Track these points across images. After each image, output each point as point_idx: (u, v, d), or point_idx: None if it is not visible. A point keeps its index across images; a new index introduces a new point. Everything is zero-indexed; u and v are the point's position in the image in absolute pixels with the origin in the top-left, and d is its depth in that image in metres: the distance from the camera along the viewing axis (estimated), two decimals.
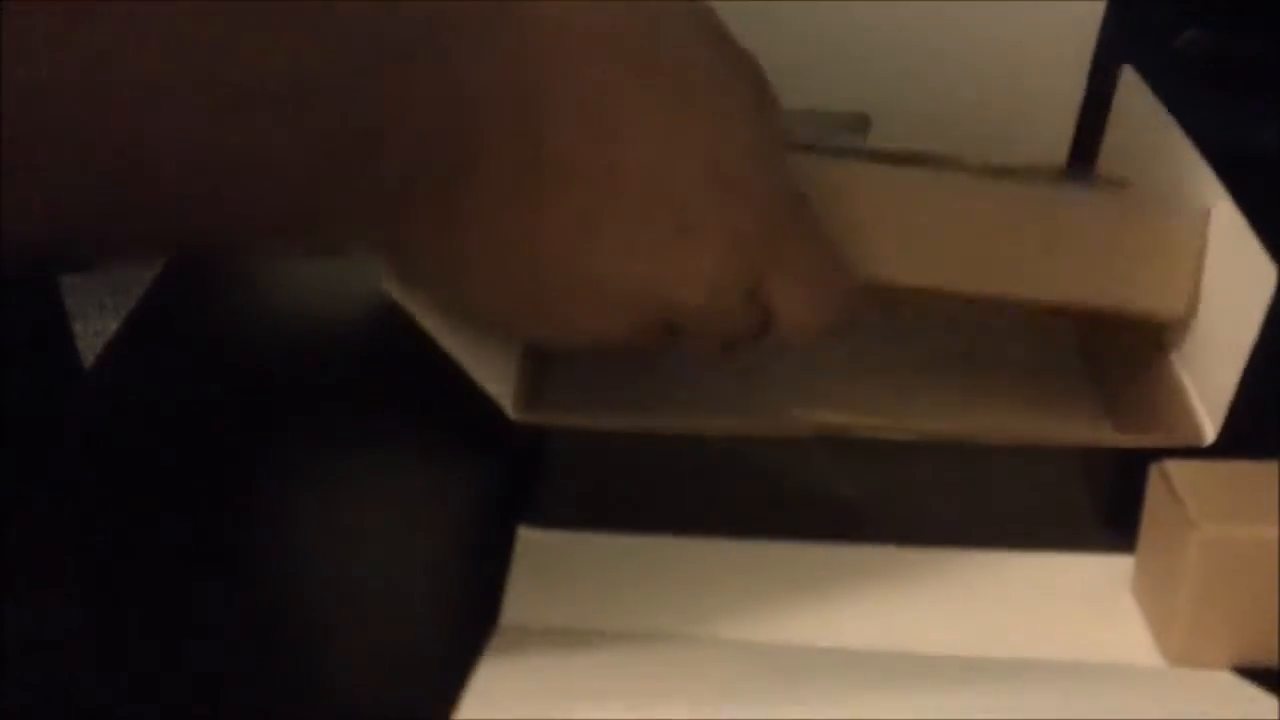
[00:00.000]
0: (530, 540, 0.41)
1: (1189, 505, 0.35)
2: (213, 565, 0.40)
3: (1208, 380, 0.38)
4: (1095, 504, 0.41)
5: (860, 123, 0.51)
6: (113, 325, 0.55)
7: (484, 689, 0.33)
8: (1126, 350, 0.45)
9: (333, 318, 0.53)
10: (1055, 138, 0.52)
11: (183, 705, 0.35)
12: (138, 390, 0.48)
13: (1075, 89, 0.51)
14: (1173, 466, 0.36)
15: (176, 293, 0.54)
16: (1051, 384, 0.48)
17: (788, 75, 0.50)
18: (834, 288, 0.36)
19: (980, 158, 0.48)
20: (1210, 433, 0.38)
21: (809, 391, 0.43)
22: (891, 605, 0.39)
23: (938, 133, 0.52)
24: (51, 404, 0.50)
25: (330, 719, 0.35)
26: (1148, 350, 0.43)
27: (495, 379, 0.38)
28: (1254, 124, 0.62)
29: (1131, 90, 0.48)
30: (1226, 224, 0.39)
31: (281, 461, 0.45)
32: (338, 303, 0.54)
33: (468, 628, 0.36)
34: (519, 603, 0.38)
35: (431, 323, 0.35)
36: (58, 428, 0.46)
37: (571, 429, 0.40)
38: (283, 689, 0.36)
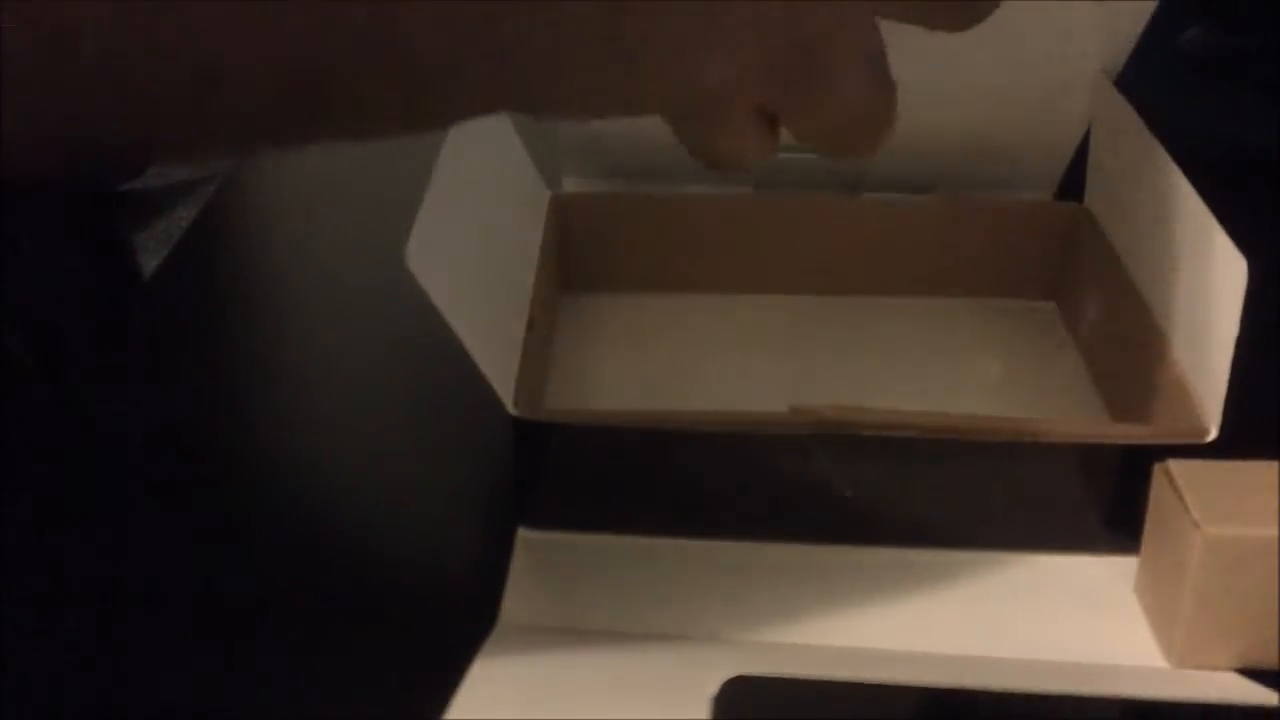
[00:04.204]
0: (529, 540, 0.40)
1: (1193, 505, 0.34)
2: (211, 561, 0.40)
3: (1207, 377, 0.38)
4: (1097, 504, 0.41)
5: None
6: None
7: (480, 688, 0.33)
8: (1127, 348, 0.45)
9: (336, 315, 0.53)
10: (1053, 165, 0.53)
11: (181, 701, 0.35)
12: (140, 387, 0.48)
13: (1076, 128, 0.51)
14: (1176, 466, 0.36)
15: (177, 291, 0.54)
16: (1051, 382, 0.48)
17: None
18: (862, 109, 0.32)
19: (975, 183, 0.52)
20: (1213, 429, 0.38)
21: (809, 391, 0.43)
22: (891, 605, 0.39)
23: (936, 161, 0.52)
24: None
25: (329, 717, 0.35)
26: (1148, 348, 0.43)
27: (498, 372, 0.38)
28: (1254, 122, 0.62)
29: (1102, 92, 0.48)
30: (1198, 224, 0.40)
31: (282, 458, 0.45)
32: (340, 300, 0.53)
33: (467, 627, 0.36)
34: (517, 602, 0.38)
35: (445, 305, 0.35)
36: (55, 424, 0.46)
37: (571, 429, 0.40)
38: (281, 686, 0.36)
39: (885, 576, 0.40)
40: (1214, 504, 0.34)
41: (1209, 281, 0.39)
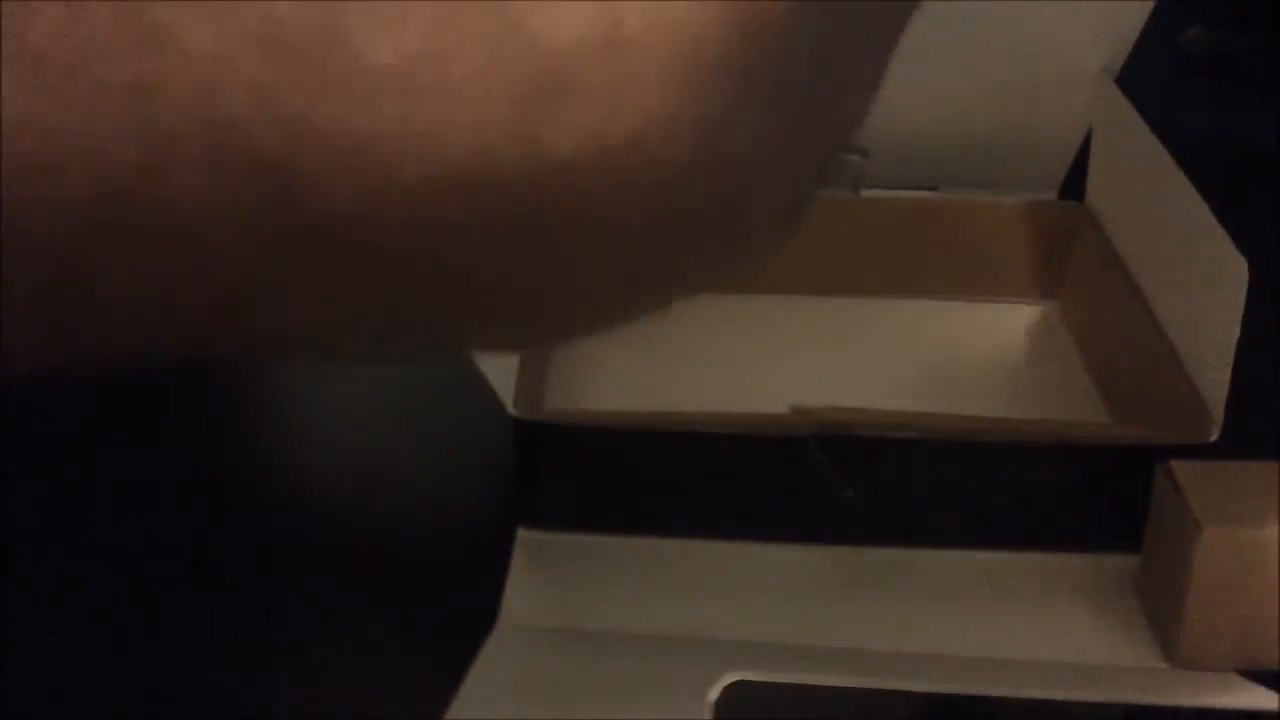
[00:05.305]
0: (529, 541, 0.40)
1: (1194, 505, 0.34)
2: (210, 562, 0.40)
3: (1207, 377, 0.38)
4: (1097, 504, 0.41)
5: (859, 155, 0.51)
6: None
7: (480, 687, 0.33)
8: (1127, 348, 0.45)
9: None
10: (1054, 165, 0.53)
11: (182, 699, 0.35)
12: (147, 394, 0.48)
13: (1077, 127, 0.51)
14: (1178, 467, 0.36)
15: None
16: (1051, 382, 0.48)
17: None
18: None
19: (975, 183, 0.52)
20: (1214, 429, 0.38)
21: (809, 391, 0.43)
22: (891, 605, 0.39)
23: (936, 160, 0.52)
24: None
25: (330, 716, 0.35)
26: (1148, 348, 0.43)
27: (498, 372, 0.38)
28: (1254, 122, 0.62)
29: (1103, 92, 0.48)
30: (1199, 224, 0.39)
31: (281, 458, 0.45)
32: None
33: (467, 627, 0.36)
34: (517, 602, 0.38)
35: None
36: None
37: (571, 429, 0.40)
38: (282, 685, 0.36)
39: (885, 576, 0.40)
40: (1214, 504, 0.34)
41: (1209, 281, 0.39)
